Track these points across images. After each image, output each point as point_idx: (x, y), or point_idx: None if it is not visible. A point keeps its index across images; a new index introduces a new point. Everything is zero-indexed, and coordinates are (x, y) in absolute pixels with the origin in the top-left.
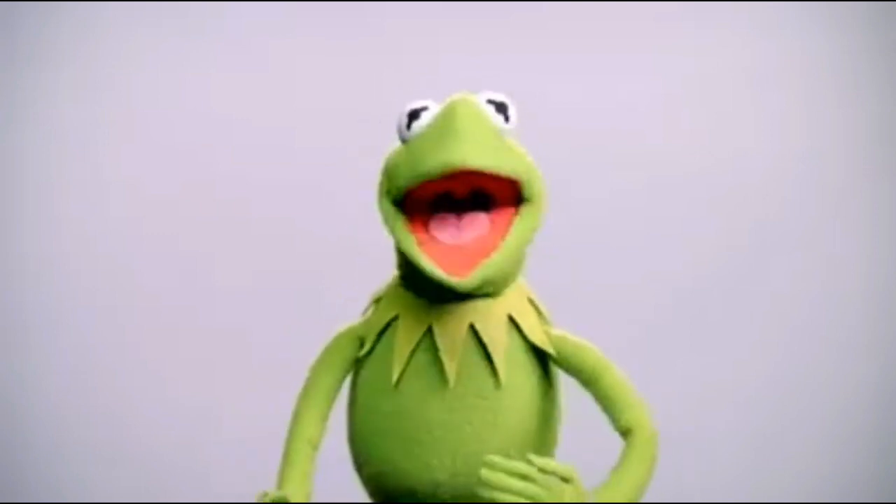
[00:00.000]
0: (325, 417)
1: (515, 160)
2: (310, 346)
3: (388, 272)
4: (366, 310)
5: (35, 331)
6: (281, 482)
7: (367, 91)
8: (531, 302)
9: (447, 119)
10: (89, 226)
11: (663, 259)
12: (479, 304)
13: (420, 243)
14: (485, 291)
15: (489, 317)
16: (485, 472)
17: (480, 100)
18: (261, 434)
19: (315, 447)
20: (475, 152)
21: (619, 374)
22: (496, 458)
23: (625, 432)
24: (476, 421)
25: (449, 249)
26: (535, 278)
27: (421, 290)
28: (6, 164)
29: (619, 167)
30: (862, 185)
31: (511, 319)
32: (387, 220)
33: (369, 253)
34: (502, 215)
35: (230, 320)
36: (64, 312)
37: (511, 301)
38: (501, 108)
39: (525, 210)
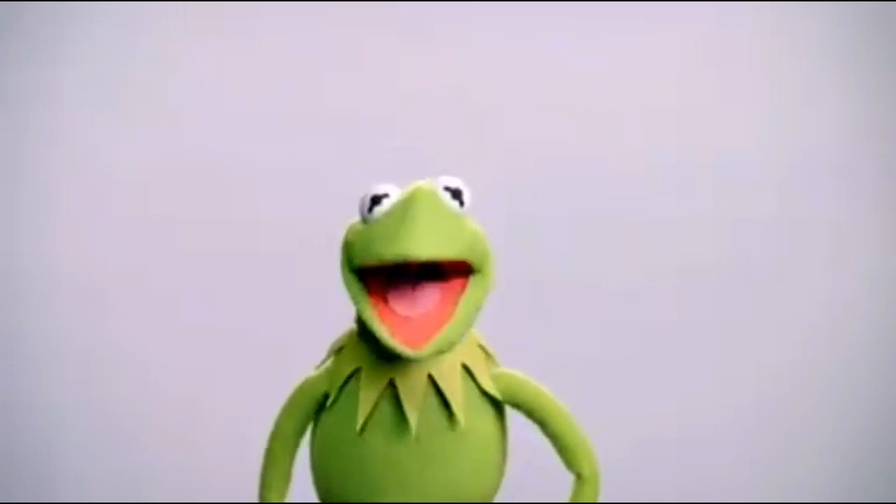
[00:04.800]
0: (290, 468)
1: (465, 244)
2: (309, 346)
3: None
4: (325, 360)
5: (33, 330)
6: None
7: (366, 90)
8: (481, 347)
9: (404, 208)
10: (89, 225)
11: (662, 258)
12: (436, 357)
13: (380, 314)
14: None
15: (445, 367)
16: None
17: (438, 186)
18: (260, 434)
19: (283, 497)
20: (426, 243)
21: (564, 415)
22: None
23: (576, 477)
24: (438, 461)
25: (405, 321)
26: (535, 276)
27: (379, 352)
28: (6, 163)
29: (616, 161)
30: (862, 183)
31: (465, 367)
32: (349, 289)
33: None
34: (453, 286)
35: (230, 320)
36: (63, 312)
37: (464, 350)
38: (456, 194)
39: (474, 280)
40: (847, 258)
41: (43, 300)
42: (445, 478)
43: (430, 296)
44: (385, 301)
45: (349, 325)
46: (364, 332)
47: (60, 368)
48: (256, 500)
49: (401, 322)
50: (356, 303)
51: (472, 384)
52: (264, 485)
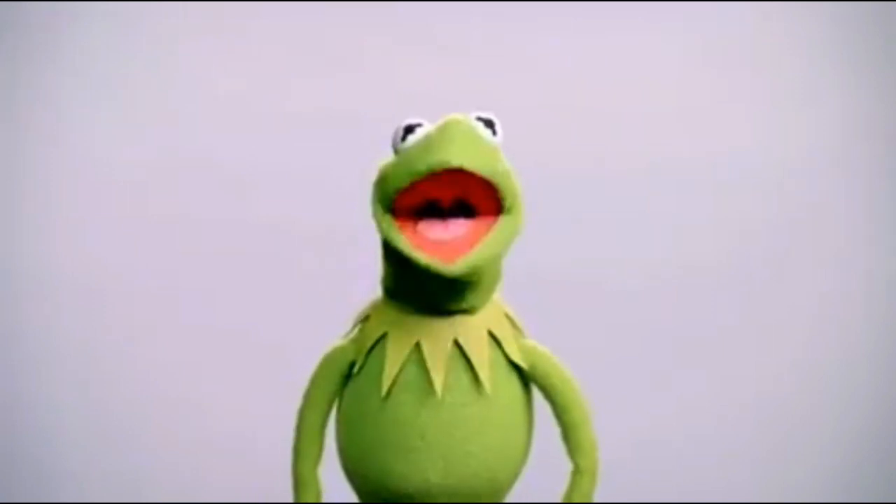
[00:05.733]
0: (323, 436)
1: (498, 167)
2: (309, 346)
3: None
4: (352, 329)
5: (33, 330)
6: None
7: (366, 90)
8: (507, 317)
9: (438, 130)
10: (89, 225)
11: (662, 258)
12: (462, 321)
13: (411, 239)
14: (467, 306)
15: (471, 332)
16: None
17: (471, 118)
18: (260, 434)
19: (317, 465)
20: (460, 153)
21: (585, 408)
22: None
23: (575, 468)
24: (463, 427)
25: (436, 243)
26: (535, 276)
27: (408, 297)
28: (6, 163)
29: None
30: (862, 183)
31: (491, 334)
32: (379, 223)
33: (368, 252)
34: (483, 221)
35: (230, 320)
36: (63, 312)
37: (490, 317)
38: (489, 124)
39: (504, 219)
40: (847, 258)
41: (43, 300)
42: (470, 442)
43: (460, 226)
44: (415, 231)
45: (349, 324)
46: (393, 285)
47: (60, 368)
48: (257, 494)
49: (432, 245)
50: (385, 232)
51: (498, 352)
52: (298, 453)
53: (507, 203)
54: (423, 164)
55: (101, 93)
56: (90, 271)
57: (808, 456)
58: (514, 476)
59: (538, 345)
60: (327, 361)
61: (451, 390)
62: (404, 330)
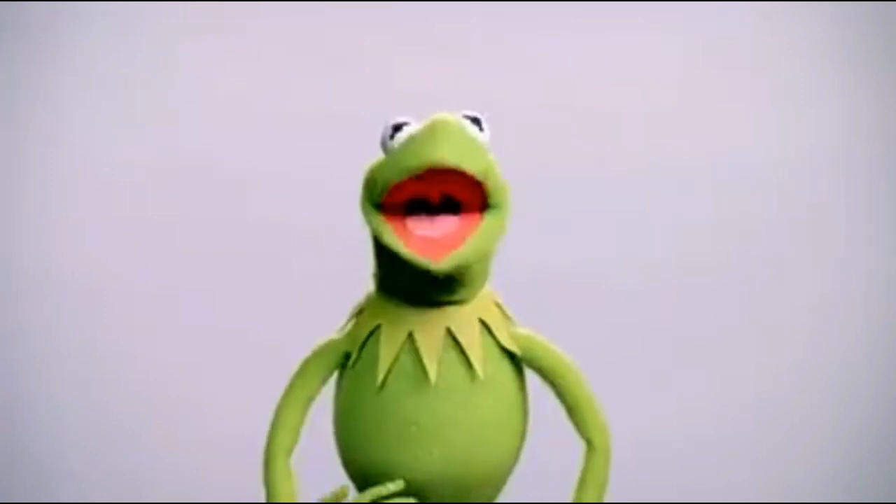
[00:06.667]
0: (300, 427)
1: (485, 163)
2: (309, 346)
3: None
4: (346, 323)
5: (33, 330)
6: (275, 494)
7: (366, 90)
8: (498, 306)
9: (428, 128)
10: (89, 225)
11: (662, 258)
12: (454, 311)
13: (399, 236)
14: (457, 297)
15: (463, 321)
16: None
17: (458, 115)
18: (260, 434)
19: (290, 455)
20: (453, 152)
21: (583, 384)
22: None
23: (588, 445)
24: (457, 414)
25: (424, 240)
26: (535, 275)
27: (400, 291)
28: (6, 163)
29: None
30: (862, 183)
31: (482, 322)
32: (369, 220)
33: (368, 252)
34: (471, 218)
35: (230, 320)
36: (63, 312)
37: (481, 306)
38: (476, 121)
39: (491, 215)
40: (847, 258)
41: (43, 300)
42: (466, 430)
43: (448, 223)
44: (404, 227)
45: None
46: (384, 277)
47: (60, 368)
48: (257, 494)
49: (421, 241)
50: (375, 228)
51: (490, 339)
52: (272, 440)
53: (494, 200)
54: (415, 162)
55: (101, 93)
56: (90, 271)
57: (808, 456)
58: (511, 462)
59: (530, 331)
60: (315, 356)
61: (445, 378)
62: (397, 321)
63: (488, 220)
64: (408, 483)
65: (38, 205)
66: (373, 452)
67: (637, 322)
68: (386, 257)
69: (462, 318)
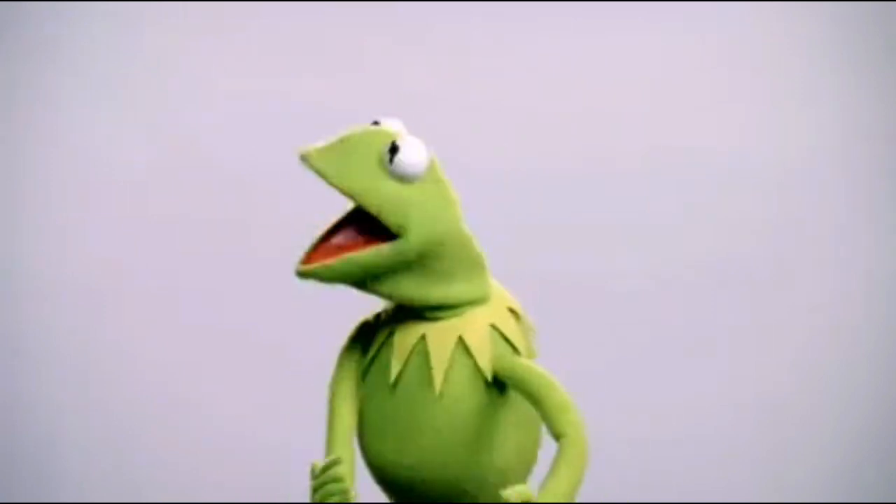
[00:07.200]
0: (356, 405)
1: (365, 187)
2: (309, 346)
3: None
4: (362, 322)
5: (33, 330)
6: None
7: (366, 90)
8: (511, 310)
9: (337, 138)
10: (89, 225)
11: (663, 259)
12: (467, 315)
13: (319, 241)
14: (450, 306)
15: (475, 326)
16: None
17: (385, 137)
18: (260, 434)
19: (353, 431)
20: (321, 156)
21: (549, 379)
22: (521, 489)
23: (557, 437)
24: (463, 422)
25: (326, 245)
26: (535, 276)
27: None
28: (6, 163)
29: (616, 160)
30: (862, 183)
31: (493, 327)
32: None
33: None
34: (374, 240)
35: (230, 320)
36: (63, 312)
37: (492, 312)
38: (393, 149)
39: (393, 243)
40: (847, 258)
41: (43, 300)
42: (472, 436)
43: (347, 235)
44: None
45: (350, 323)
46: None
47: (60, 368)
48: (257, 494)
49: (326, 245)
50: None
51: (502, 345)
52: (331, 430)
53: (393, 228)
54: (301, 157)
55: (101, 93)
56: (90, 271)
57: (808, 456)
58: (526, 470)
59: (521, 361)
60: (354, 334)
61: (451, 383)
62: (410, 325)
63: (383, 247)
64: (416, 485)
65: (38, 205)
66: (383, 452)
67: (636, 322)
68: None
69: (475, 323)
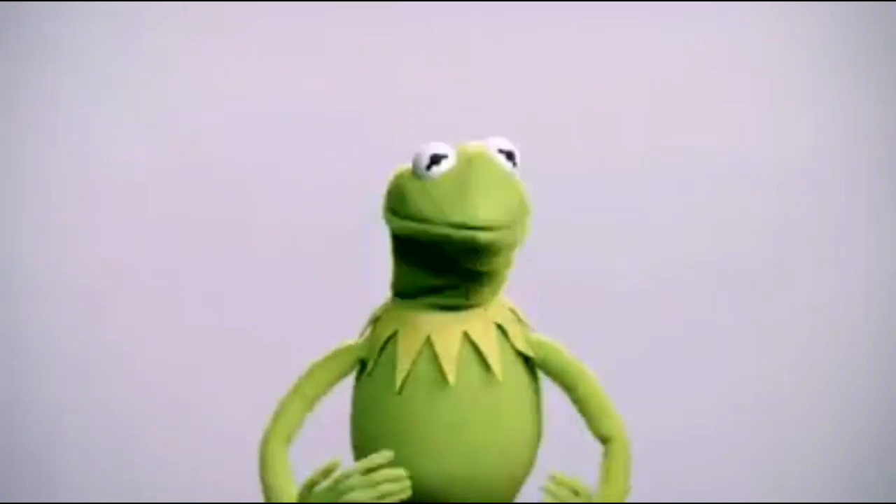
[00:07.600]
0: (298, 423)
1: (515, 208)
2: (309, 346)
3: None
4: (363, 331)
5: (33, 330)
6: (276, 487)
7: (366, 90)
8: (512, 311)
9: (466, 174)
10: (89, 225)
11: (663, 258)
12: (470, 315)
13: None
14: (476, 301)
15: (480, 325)
16: (550, 486)
17: (492, 148)
18: (260, 434)
19: (286, 444)
20: (488, 209)
21: (595, 381)
22: (559, 475)
23: (604, 440)
24: (478, 417)
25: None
26: (535, 276)
27: (418, 294)
28: (6, 163)
29: (617, 162)
30: (862, 183)
31: (499, 326)
32: (399, 225)
33: (367, 251)
34: None
35: (230, 320)
36: (63, 312)
37: (496, 311)
38: (510, 156)
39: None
40: (847, 258)
41: (43, 300)
42: (484, 432)
43: None
44: None
45: (350, 323)
46: (402, 291)
47: (60, 368)
48: (257, 494)
49: None
50: (413, 229)
51: (506, 343)
52: (269, 429)
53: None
54: (457, 236)
55: (101, 93)
56: (90, 271)
57: (808, 456)
58: (529, 465)
59: (543, 336)
60: (328, 358)
61: (463, 382)
62: (414, 326)
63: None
64: (427, 488)
65: (38, 205)
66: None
67: (636, 322)
68: (411, 258)
69: (478, 322)
